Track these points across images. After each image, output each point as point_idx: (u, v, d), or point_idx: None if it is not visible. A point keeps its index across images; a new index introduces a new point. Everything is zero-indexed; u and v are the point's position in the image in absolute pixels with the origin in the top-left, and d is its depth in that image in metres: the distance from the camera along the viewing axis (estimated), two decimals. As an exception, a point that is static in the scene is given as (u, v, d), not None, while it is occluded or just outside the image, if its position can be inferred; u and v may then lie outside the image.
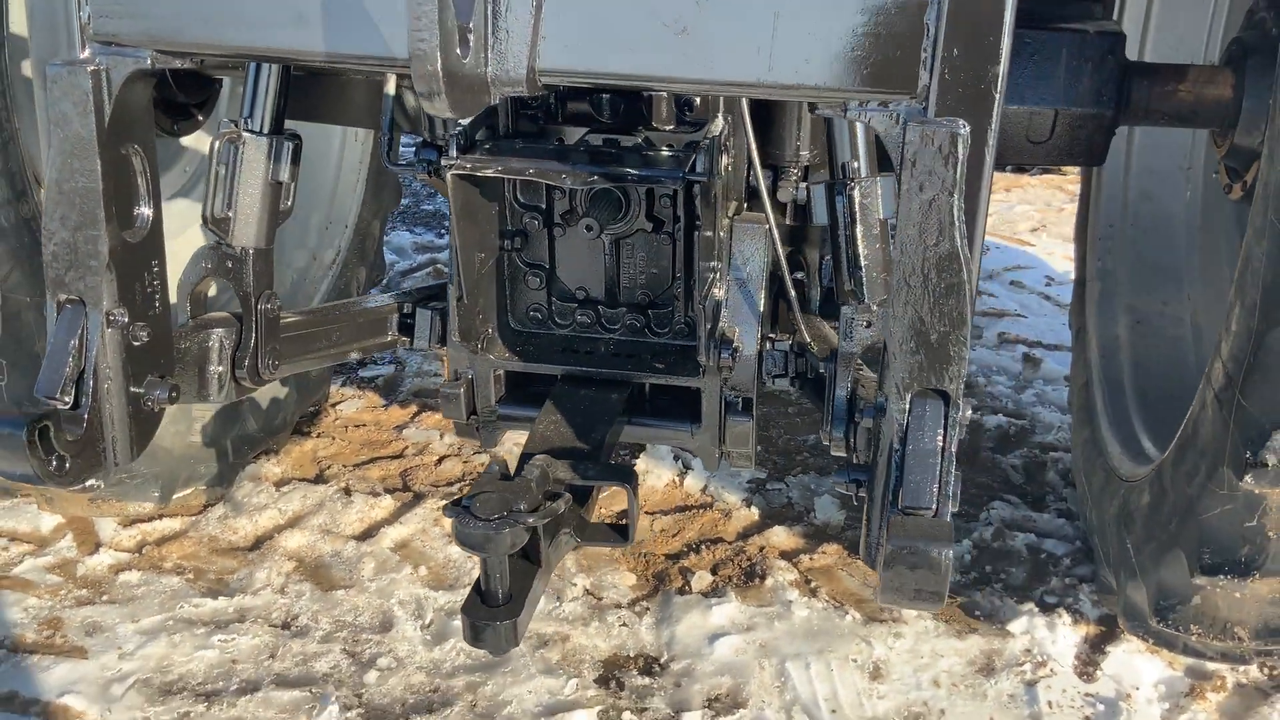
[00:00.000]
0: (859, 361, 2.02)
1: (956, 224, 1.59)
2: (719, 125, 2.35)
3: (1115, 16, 3.48)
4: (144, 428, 2.06)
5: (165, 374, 2.07)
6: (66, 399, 1.92)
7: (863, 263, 2.02)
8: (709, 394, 2.51)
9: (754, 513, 3.50)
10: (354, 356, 2.62)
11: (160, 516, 3.40)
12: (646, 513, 3.50)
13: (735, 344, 2.45)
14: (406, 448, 3.84)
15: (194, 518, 3.43)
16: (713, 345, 2.38)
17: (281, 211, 2.28)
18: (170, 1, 1.83)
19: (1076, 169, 6.89)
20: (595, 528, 2.31)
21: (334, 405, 4.06)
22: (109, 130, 1.87)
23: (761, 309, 2.50)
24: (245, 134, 2.17)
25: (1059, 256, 5.49)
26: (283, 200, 2.28)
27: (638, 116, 2.43)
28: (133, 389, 2.01)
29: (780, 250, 2.39)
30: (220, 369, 2.24)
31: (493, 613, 1.98)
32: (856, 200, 2.01)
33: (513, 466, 2.16)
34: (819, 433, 2.57)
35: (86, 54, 1.86)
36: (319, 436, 3.88)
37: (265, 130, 2.19)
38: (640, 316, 2.64)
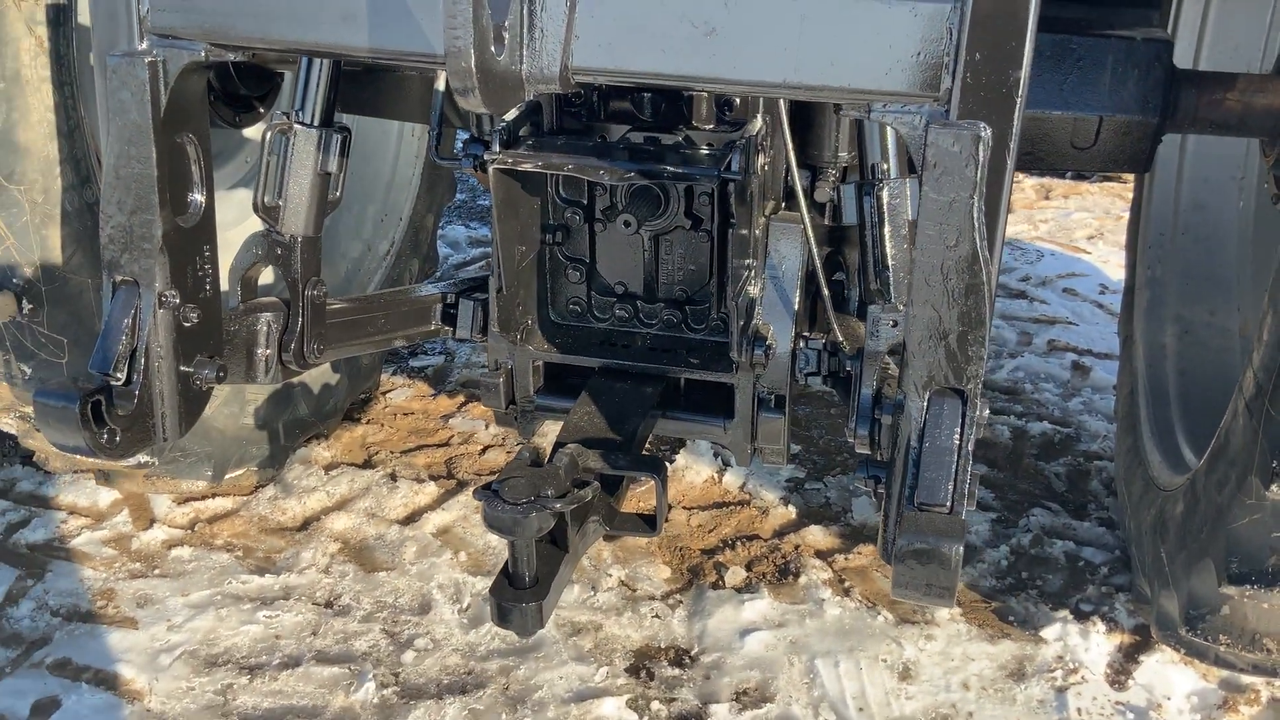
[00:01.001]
0: (885, 360, 2.05)
1: (976, 225, 1.62)
2: (757, 125, 2.39)
3: (1169, 25, 3.45)
4: (192, 405, 2.15)
5: (214, 354, 2.15)
6: (119, 375, 2.01)
7: (890, 263, 2.04)
8: (742, 390, 2.55)
9: (791, 511, 3.53)
10: (398, 344, 2.70)
11: (213, 495, 3.52)
12: (684, 508, 3.54)
13: (769, 341, 2.48)
14: (452, 436, 3.92)
15: (245, 498, 3.54)
16: (746, 342, 2.41)
17: (330, 201, 2.36)
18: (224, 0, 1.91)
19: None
20: (624, 517, 2.36)
21: (384, 393, 4.15)
22: (164, 119, 1.96)
23: (796, 307, 2.53)
24: (296, 126, 2.25)
25: (1114, 265, 5.42)
26: (331, 190, 2.36)
27: (678, 116, 2.47)
28: (182, 368, 2.10)
29: (815, 249, 2.42)
30: (268, 352, 2.32)
31: (519, 595, 2.04)
32: (885, 201, 2.03)
33: (546, 455, 2.22)
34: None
35: (144, 46, 1.95)
36: (369, 423, 3.98)
37: (315, 122, 2.27)
38: (677, 312, 2.68)
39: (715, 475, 3.68)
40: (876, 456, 2.04)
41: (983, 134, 1.58)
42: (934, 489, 1.66)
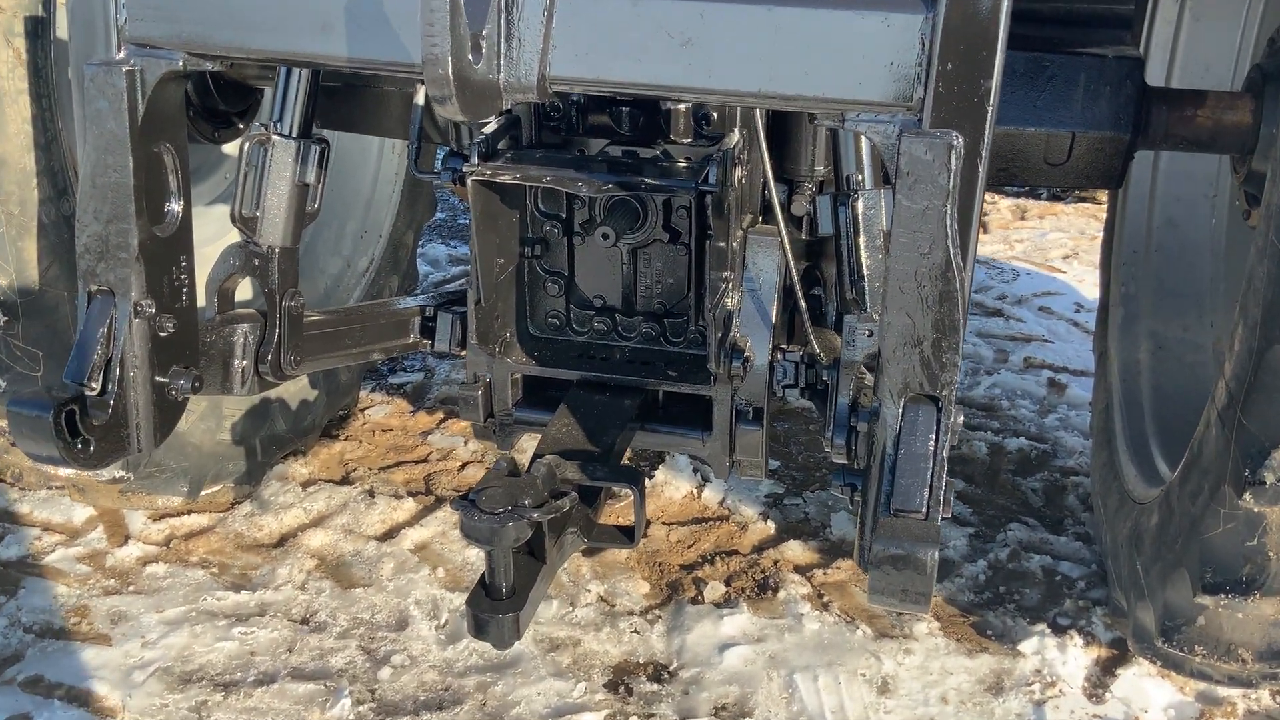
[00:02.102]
0: (861, 369, 2.06)
1: (949, 233, 1.63)
2: (734, 139, 2.41)
3: (1142, 45, 3.50)
4: (167, 416, 2.14)
5: (190, 365, 2.15)
6: (94, 385, 2.00)
7: (865, 272, 2.06)
8: (720, 402, 2.56)
9: (770, 526, 3.53)
10: (376, 356, 2.69)
11: (188, 512, 3.49)
12: (663, 523, 3.54)
13: (746, 353, 2.50)
14: (431, 453, 3.91)
15: (221, 514, 3.51)
16: (724, 354, 2.42)
17: (308, 213, 2.36)
18: (201, 6, 1.92)
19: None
20: (602, 528, 2.36)
21: (363, 410, 4.14)
22: (141, 128, 1.96)
23: (774, 320, 2.54)
24: (274, 137, 2.25)
25: (1090, 284, 5.47)
26: (309, 202, 2.37)
27: (656, 129, 2.49)
28: (158, 378, 2.09)
29: (793, 262, 2.44)
30: (244, 363, 2.32)
31: (496, 606, 2.03)
32: (859, 211, 2.05)
33: (524, 466, 2.21)
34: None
35: (122, 55, 1.95)
36: (347, 439, 3.96)
37: (294, 133, 2.28)
38: (655, 325, 2.69)
39: (694, 490, 3.68)
40: (853, 465, 2.05)
41: (955, 143, 1.60)
42: (909, 495, 1.67)
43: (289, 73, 2.28)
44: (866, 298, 2.07)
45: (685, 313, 2.68)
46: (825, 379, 2.49)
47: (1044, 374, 4.55)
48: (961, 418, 1.74)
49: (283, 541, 3.41)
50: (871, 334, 2.00)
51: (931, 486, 1.68)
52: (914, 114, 1.65)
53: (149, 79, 1.95)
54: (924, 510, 1.67)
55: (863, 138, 2.07)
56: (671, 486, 3.68)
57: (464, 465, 3.82)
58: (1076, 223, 6.14)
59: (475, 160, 2.35)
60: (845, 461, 2.11)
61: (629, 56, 1.74)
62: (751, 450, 2.57)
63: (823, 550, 3.41)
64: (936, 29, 1.61)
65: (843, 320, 2.91)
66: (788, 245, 2.43)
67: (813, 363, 2.54)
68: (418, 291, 4.87)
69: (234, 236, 2.38)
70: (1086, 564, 3.38)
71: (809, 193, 2.57)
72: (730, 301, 2.45)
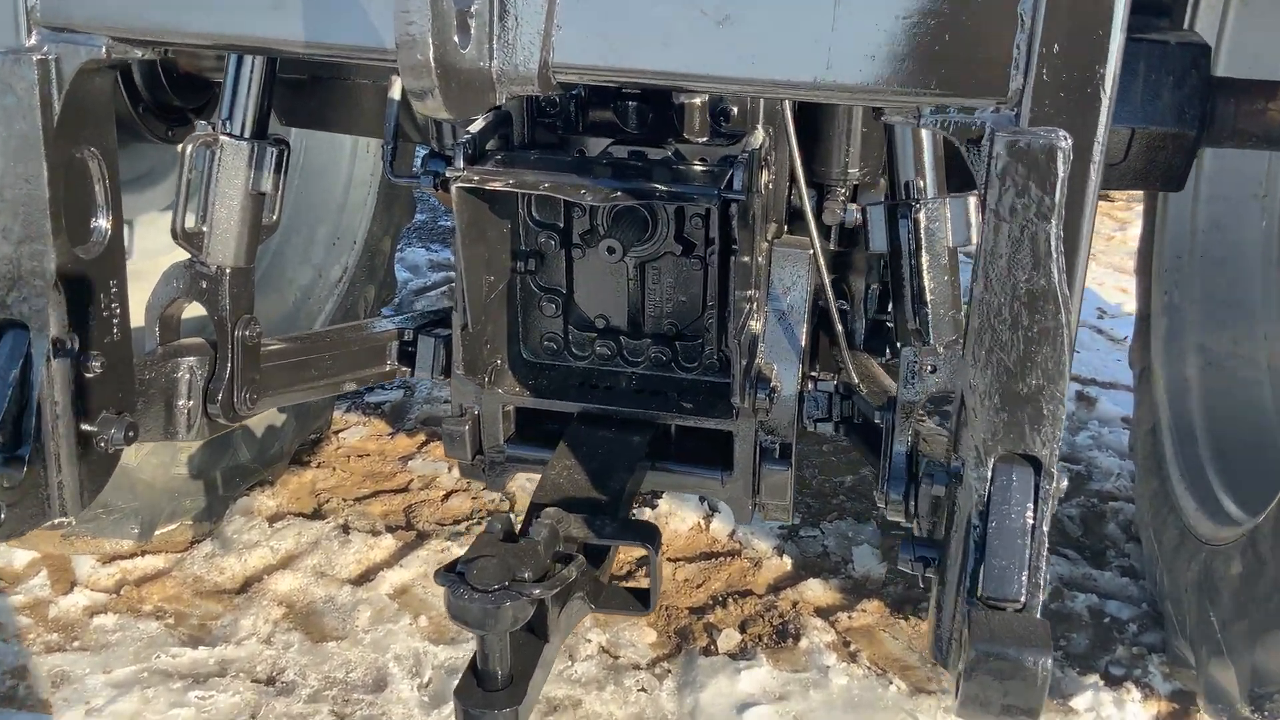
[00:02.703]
0: (920, 412, 1.74)
1: (1054, 255, 1.32)
2: (759, 138, 2.09)
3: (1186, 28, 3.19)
4: (96, 472, 1.80)
5: (124, 410, 1.81)
6: (4, 438, 1.66)
7: (928, 297, 1.73)
8: (742, 438, 2.24)
9: (786, 562, 3.21)
10: (348, 388, 2.36)
11: (142, 553, 3.15)
12: (669, 559, 3.22)
13: (773, 383, 2.18)
14: (411, 481, 3.58)
15: (179, 555, 3.17)
16: (748, 384, 2.10)
17: (265, 226, 2.02)
18: (129, -19, 1.57)
19: (1124, 195, 6.57)
20: (612, 592, 2.04)
21: (336, 432, 3.80)
22: (59, 129, 1.62)
23: (803, 344, 2.22)
24: (223, 138, 1.92)
25: (1110, 287, 5.18)
26: (266, 213, 2.03)
27: (668, 126, 2.17)
28: (84, 427, 1.76)
29: (826, 278, 2.12)
30: (190, 403, 1.98)
31: (490, 699, 1.71)
32: (922, 225, 1.73)
33: (521, 509, 1.89)
34: (857, 477, 2.29)
35: (33, 41, 1.61)
36: (319, 467, 3.62)
37: (246, 134, 1.94)
38: (666, 349, 2.37)
39: (702, 522, 3.36)
40: (915, 528, 1.73)
41: (1062, 144, 1.28)
42: (1004, 580, 1.36)
43: (239, 62, 1.94)
44: (930, 327, 1.74)
45: (700, 334, 2.36)
46: (865, 413, 2.18)
47: (1071, 387, 4.24)
48: (1065, 481, 1.42)
49: (246, 586, 3.07)
50: (935, 369, 1.68)
51: (1030, 569, 1.37)
52: (1010, 108, 1.33)
53: (66, 70, 1.61)
54: (1021, 599, 1.36)
55: (923, 135, 1.75)
56: (677, 517, 3.36)
57: (448, 495, 3.49)
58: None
59: (460, 164, 2.01)
60: (902, 520, 1.80)
61: (652, 38, 1.41)
62: (778, 492, 2.25)
63: (845, 590, 3.10)
64: (1040, 3, 1.29)
65: (879, 342, 2.64)
66: (822, 258, 2.12)
67: (849, 393, 2.22)
68: (394, 303, 4.53)
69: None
70: (1136, 603, 3.07)
71: (841, 198, 2.25)
72: (754, 324, 2.13)
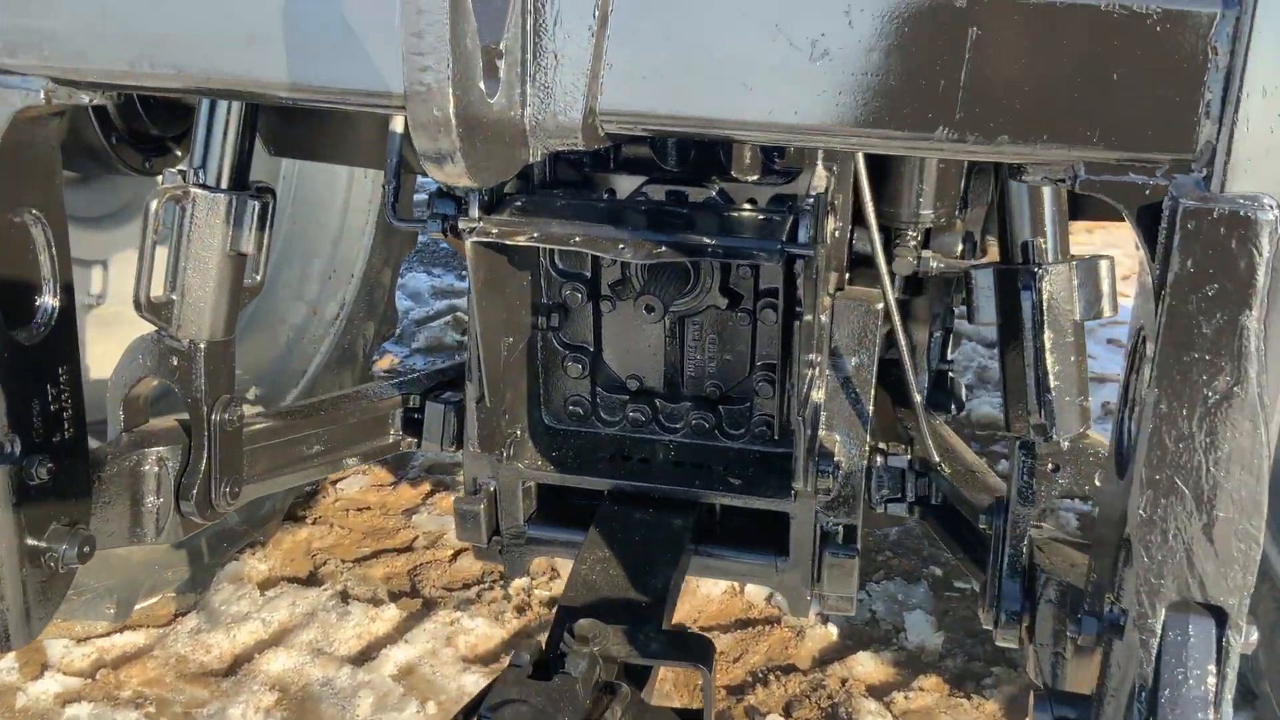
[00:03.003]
0: (1037, 520, 1.44)
1: (1254, 355, 1.02)
2: (820, 177, 1.79)
3: None
4: (47, 593, 1.50)
5: (77, 519, 1.51)
6: (-72, 564, 1.37)
7: (1051, 382, 1.43)
8: (801, 520, 1.95)
9: (831, 631, 2.91)
10: (349, 462, 2.05)
11: (121, 630, 2.84)
12: (700, 627, 2.92)
13: (836, 457, 1.89)
14: (416, 538, 3.28)
15: (161, 630, 2.87)
16: (812, 464, 1.81)
17: (247, 289, 1.73)
18: (72, 11, 1.27)
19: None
20: (658, 715, 1.74)
21: (334, 483, 3.50)
22: (-10, 189, 1.33)
23: (870, 412, 1.93)
24: (195, 190, 1.61)
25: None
26: (248, 275, 1.73)
27: (711, 163, 1.88)
28: (30, 542, 1.46)
29: (901, 337, 1.83)
30: (159, 501, 1.68)
31: None
32: (1045, 294, 1.43)
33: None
34: (902, 529, 2.00)
35: (-47, 84, 1.31)
36: (315, 523, 3.32)
37: (223, 184, 1.64)
38: (709, 414, 2.08)
39: (735, 585, 3.06)
40: (1033, 665, 1.43)
41: (1270, 215, 0.99)
42: (1186, 763, 1.06)
43: (212, 103, 1.64)
44: (1056, 417, 1.44)
45: (747, 397, 2.07)
46: (946, 493, 1.89)
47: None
48: (1255, 635, 1.12)
49: (236, 667, 2.77)
50: (1058, 468, 1.38)
51: (1216, 749, 1.07)
52: (1198, 167, 1.04)
53: (-2, 117, 1.32)
54: (1209, 790, 1.06)
55: (1045, 188, 1.45)
56: (707, 581, 3.06)
57: (456, 554, 3.19)
58: (1130, 236, 5.53)
59: (475, 212, 1.72)
60: (1015, 647, 1.51)
61: (729, 79, 1.11)
62: (842, 582, 1.96)
63: (899, 664, 2.80)
64: (1244, 34, 0.99)
65: (939, 398, 2.35)
66: (896, 314, 1.82)
67: (925, 469, 1.93)
68: (397, 333, 4.23)
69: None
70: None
71: (912, 243, 1.96)
72: (817, 393, 1.84)
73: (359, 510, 3.40)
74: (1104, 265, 1.39)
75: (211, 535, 2.90)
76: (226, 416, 1.70)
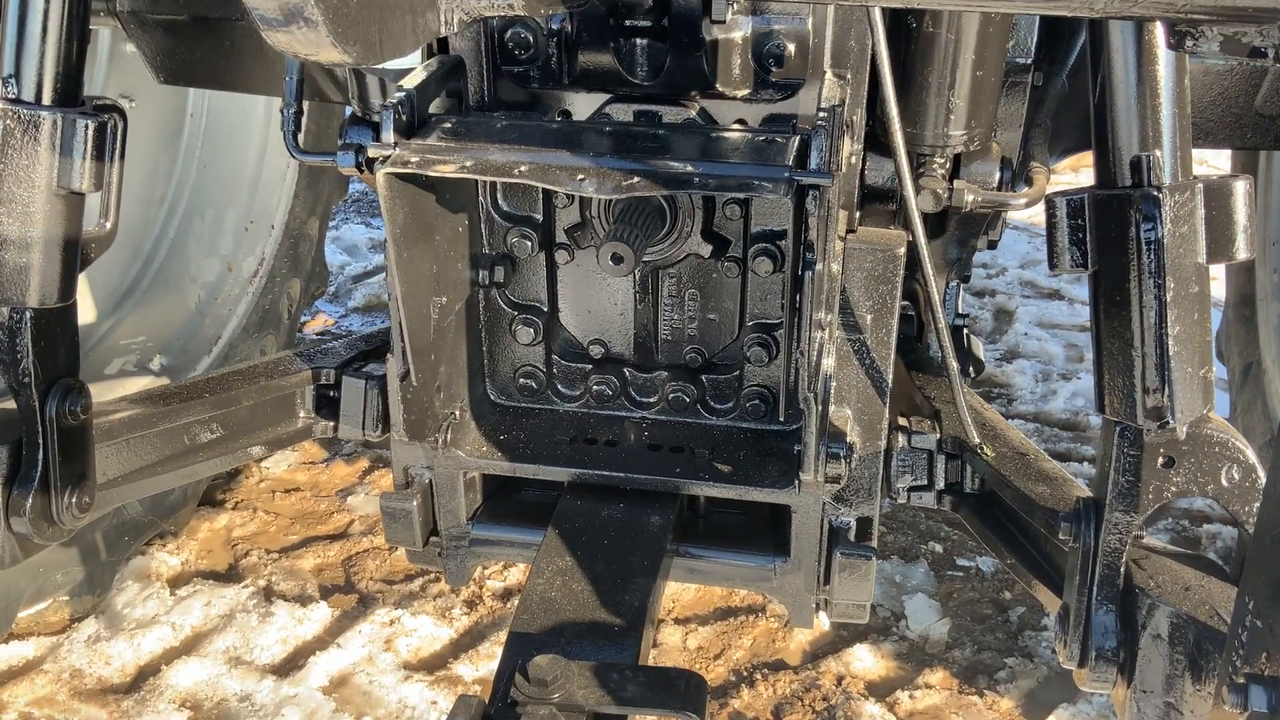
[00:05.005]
0: (1140, 528, 1.09)
1: None
2: (834, 86, 1.42)
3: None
4: None
5: None
6: None
7: (1173, 348, 1.05)
8: (805, 514, 1.59)
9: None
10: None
11: (6, 640, 2.45)
12: (675, 619, 2.58)
13: (849, 438, 1.53)
14: (351, 523, 2.90)
15: (53, 640, 2.48)
16: (823, 447, 1.45)
17: (91, 240, 1.32)
18: None
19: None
20: (636, 771, 1.39)
21: (257, 461, 3.10)
22: None
23: (889, 381, 1.57)
24: (2, 106, 1.20)
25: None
26: (99, 220, 1.33)
27: (691, 74, 1.51)
28: None
29: (934, 290, 1.46)
30: (-20, 520, 1.28)
31: None
32: (1165, 228, 1.05)
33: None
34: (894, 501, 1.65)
35: None
36: (235, 508, 2.93)
37: (45, 99, 1.23)
38: (689, 386, 1.72)
39: (714, 570, 2.70)
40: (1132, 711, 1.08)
41: None
42: None
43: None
44: (1173, 393, 1.06)
45: (736, 364, 1.71)
46: (985, 478, 1.54)
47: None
48: None
49: (140, 681, 2.40)
50: (1172, 461, 1.02)
51: None
52: None
53: None
54: None
55: (1161, 76, 1.06)
56: (683, 565, 2.70)
57: (397, 541, 2.81)
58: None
59: (389, 136, 1.33)
60: (1103, 692, 1.16)
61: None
62: (857, 587, 1.61)
63: (901, 657, 2.47)
64: None
65: (979, 365, 2.00)
66: (929, 260, 1.45)
67: (960, 450, 1.57)
68: (329, 292, 3.82)
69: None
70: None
71: (940, 173, 1.58)
72: (828, 360, 1.47)
73: (286, 492, 3.01)
74: (1240, 189, 1.02)
75: (110, 529, 2.50)
76: (67, 406, 1.30)
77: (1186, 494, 1.05)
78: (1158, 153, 1.03)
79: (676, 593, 2.65)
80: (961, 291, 2.16)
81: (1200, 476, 1.04)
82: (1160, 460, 1.05)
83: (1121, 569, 1.10)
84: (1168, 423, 1.03)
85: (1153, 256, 1.03)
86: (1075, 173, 5.28)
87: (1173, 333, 1.03)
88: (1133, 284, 1.05)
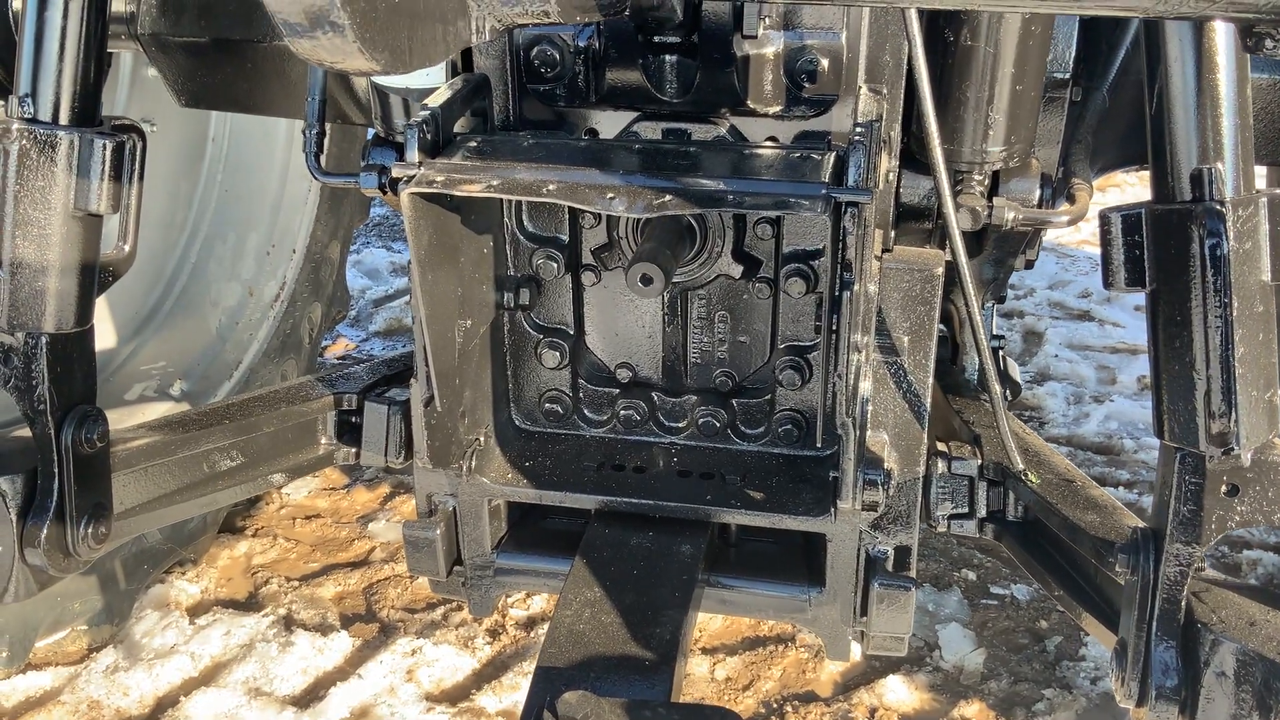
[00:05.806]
0: (1201, 560, 1.03)
1: None
2: (871, 101, 1.38)
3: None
4: None
5: None
6: None
7: (1239, 371, 1.00)
8: (841, 543, 1.54)
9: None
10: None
11: (24, 671, 2.42)
12: (702, 649, 2.52)
13: (887, 465, 1.48)
14: (373, 550, 2.86)
15: (71, 670, 2.45)
16: (860, 474, 1.40)
17: (109, 264, 1.29)
18: None
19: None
20: (669, 812, 1.33)
21: (279, 488, 3.06)
22: None
23: (928, 405, 1.52)
24: (18, 125, 1.17)
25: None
26: (116, 244, 1.30)
27: (720, 92, 1.47)
28: None
29: (976, 311, 1.42)
30: (-7, 552, 1.25)
31: None
32: (1229, 244, 1.00)
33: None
34: (924, 527, 1.59)
35: None
36: (256, 534, 2.90)
37: (62, 119, 1.20)
38: (719, 411, 1.68)
39: (742, 598, 2.65)
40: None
41: None
42: None
43: (42, 3, 1.19)
44: (1238, 418, 1.01)
45: (767, 388, 1.67)
46: (1031, 506, 1.48)
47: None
48: None
49: (158, 713, 2.36)
50: (1236, 489, 0.97)
51: None
52: None
53: None
54: None
55: (1222, 84, 1.02)
56: (710, 593, 2.65)
57: (419, 568, 2.77)
58: (1142, 194, 5.16)
59: (413, 155, 1.30)
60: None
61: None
62: (895, 619, 1.56)
63: (936, 688, 2.41)
64: None
65: (1016, 387, 1.94)
66: (969, 280, 1.41)
67: (1003, 478, 1.52)
68: (351, 316, 3.80)
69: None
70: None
71: (979, 190, 1.54)
72: (865, 384, 1.42)
73: (307, 519, 2.98)
74: (1308, 201, 0.98)
75: (129, 557, 2.47)
76: (84, 434, 1.27)
77: (1251, 523, 1.00)
78: (1220, 165, 0.99)
79: (704, 622, 2.60)
80: (995, 313, 2.12)
81: (1266, 505, 0.99)
82: (1224, 488, 1.00)
83: (1182, 603, 1.05)
84: (1232, 449, 0.98)
85: (1216, 274, 0.97)
86: (1103, 192, 5.21)
87: (1237, 354, 0.98)
88: (1194, 303, 1.00)
